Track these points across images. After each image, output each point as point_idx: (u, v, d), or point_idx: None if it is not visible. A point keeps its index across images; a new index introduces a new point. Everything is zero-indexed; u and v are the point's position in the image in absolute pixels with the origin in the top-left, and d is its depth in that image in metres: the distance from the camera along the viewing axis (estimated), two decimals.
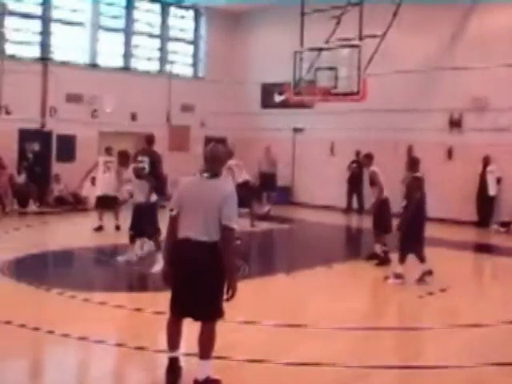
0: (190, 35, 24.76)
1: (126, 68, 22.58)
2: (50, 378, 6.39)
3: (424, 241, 10.80)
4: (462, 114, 19.03)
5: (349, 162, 20.69)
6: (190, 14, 24.67)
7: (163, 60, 23.74)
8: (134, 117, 22.04)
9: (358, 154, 20.67)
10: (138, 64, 23.16)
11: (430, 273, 10.57)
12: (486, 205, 18.23)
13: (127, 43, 22.71)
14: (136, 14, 22.94)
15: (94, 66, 21.42)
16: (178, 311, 5.76)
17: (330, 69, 17.12)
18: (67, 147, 20.17)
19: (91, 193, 19.48)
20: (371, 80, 16.85)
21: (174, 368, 5.82)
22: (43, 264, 11.84)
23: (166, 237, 5.88)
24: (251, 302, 9.38)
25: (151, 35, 23.55)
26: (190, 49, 24.84)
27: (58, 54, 20.86)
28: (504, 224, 17.70)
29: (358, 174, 20.36)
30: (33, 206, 18.65)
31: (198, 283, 5.57)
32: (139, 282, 10.79)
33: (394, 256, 11.20)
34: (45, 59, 20.31)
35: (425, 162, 19.29)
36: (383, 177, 12.26)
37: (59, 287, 9.44)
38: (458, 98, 18.71)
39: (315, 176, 22.16)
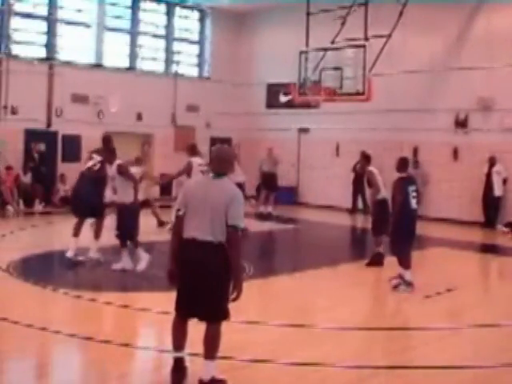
0: (195, 35, 24.78)
1: (131, 68, 22.61)
2: (57, 377, 6.39)
3: (411, 244, 10.39)
4: (467, 115, 18.99)
5: (354, 163, 20.67)
6: (195, 14, 24.68)
7: (168, 60, 23.77)
8: (139, 117, 22.07)
9: (363, 154, 20.65)
10: (144, 64, 23.19)
11: (408, 283, 10.12)
12: (491, 205, 18.18)
13: (132, 43, 22.75)
14: (141, 15, 22.97)
15: (99, 66, 21.45)
16: (184, 311, 5.76)
17: (336, 69, 17.15)
18: (73, 147, 20.19)
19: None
20: (376, 80, 16.86)
21: (179, 368, 5.82)
22: (49, 264, 11.84)
23: (172, 237, 5.89)
24: (256, 303, 9.39)
25: (156, 35, 23.57)
26: (195, 49, 24.86)
27: (63, 54, 20.92)
28: (510, 224, 17.65)
29: (363, 174, 20.29)
30: (38, 206, 18.68)
31: (204, 283, 5.57)
32: (145, 282, 10.78)
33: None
34: (50, 59, 20.37)
35: (430, 162, 19.56)
36: (385, 177, 12.13)
37: (65, 287, 9.45)
38: (463, 99, 18.68)
39: (320, 176, 22.16)
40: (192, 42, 24.74)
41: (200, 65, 24.88)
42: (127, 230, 10.77)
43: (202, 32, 24.80)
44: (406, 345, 7.56)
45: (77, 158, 20.01)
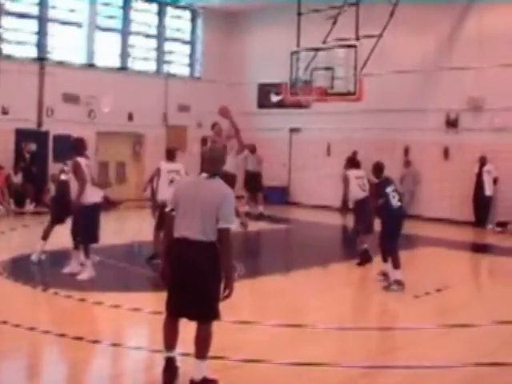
0: (186, 35, 24.74)
1: (122, 68, 22.56)
2: (47, 378, 6.38)
3: (396, 245, 10.48)
4: (458, 114, 19.06)
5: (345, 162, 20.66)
6: (187, 14, 24.66)
7: (160, 60, 23.73)
8: (130, 117, 22.03)
9: (354, 154, 20.71)
10: (135, 64, 23.14)
11: (399, 283, 10.22)
12: (482, 205, 18.25)
13: (124, 43, 22.70)
14: (132, 14, 22.93)
15: (90, 66, 21.40)
16: (175, 311, 5.77)
17: (327, 69, 17.16)
18: (64, 147, 20.10)
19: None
20: (368, 80, 16.89)
21: (170, 368, 5.82)
22: (39, 264, 11.80)
23: (164, 236, 5.90)
24: (248, 303, 9.41)
25: (148, 35, 23.53)
26: (187, 49, 24.84)
27: (54, 53, 20.85)
28: (500, 224, 17.73)
29: None
30: (29, 206, 18.63)
31: (195, 283, 5.58)
32: (135, 282, 10.78)
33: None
34: (41, 59, 20.28)
35: (421, 161, 19.63)
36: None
37: (55, 287, 9.44)
38: (454, 98, 18.73)
39: (312, 176, 22.17)
40: (184, 42, 24.71)
41: (191, 65, 24.86)
42: (76, 232, 10.45)
43: (193, 32, 24.77)
44: (396, 344, 7.59)
45: (68, 159, 19.95)
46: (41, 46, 20.49)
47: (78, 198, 10.05)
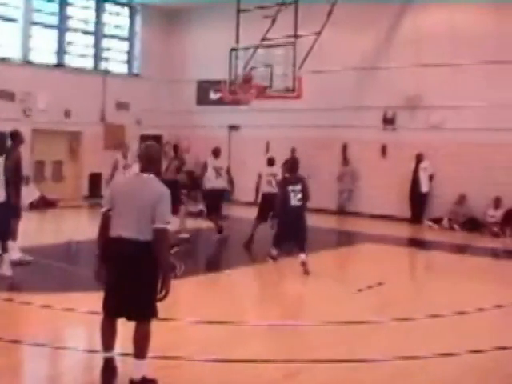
0: (125, 32, 24.49)
1: (59, 65, 22.17)
2: None
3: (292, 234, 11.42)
4: (395, 112, 19.35)
5: (284, 160, 20.71)
6: (126, 10, 24.41)
7: (98, 57, 23.42)
8: (67, 114, 21.68)
9: (293, 151, 20.84)
10: (72, 61, 22.77)
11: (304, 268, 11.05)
12: (418, 201, 18.58)
13: (61, 40, 22.31)
14: (70, 11, 22.55)
15: (26, 62, 20.97)
16: (112, 311, 5.70)
17: (266, 66, 17.19)
18: None
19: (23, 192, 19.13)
20: (307, 78, 16.98)
21: (109, 368, 5.75)
22: None
23: (98, 235, 5.80)
24: (187, 301, 9.36)
25: (86, 32, 23.19)
26: (125, 46, 24.57)
27: None
28: (436, 220, 18.08)
29: None
30: None
31: (131, 282, 5.51)
32: (72, 282, 10.59)
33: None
34: None
35: (360, 159, 19.86)
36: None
37: None
38: (391, 97, 19.02)
39: (251, 174, 22.12)
40: (122, 39, 24.45)
41: (130, 62, 24.62)
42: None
43: (131, 29, 24.52)
44: (334, 339, 7.64)
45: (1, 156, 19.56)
46: None
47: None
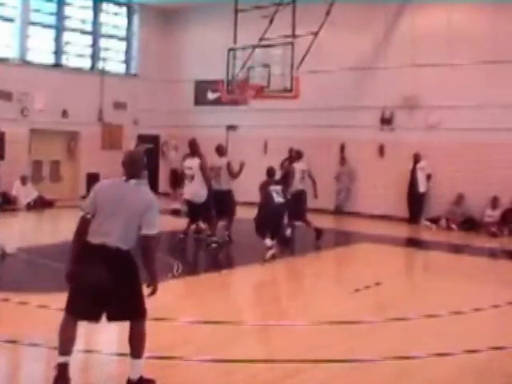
0: (122, 32, 24.47)
1: (57, 65, 22.16)
2: None
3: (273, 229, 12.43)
4: (393, 112, 19.36)
5: (282, 160, 20.72)
6: (123, 10, 24.39)
7: (95, 57, 23.40)
8: (65, 114, 21.66)
9: (291, 151, 20.81)
10: (70, 61, 22.75)
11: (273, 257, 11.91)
12: (416, 201, 18.58)
13: (58, 39, 22.28)
14: (68, 10, 22.52)
15: (24, 62, 20.95)
16: (82, 313, 5.52)
17: (264, 66, 17.19)
18: None
19: (21, 193, 19.15)
20: (305, 78, 16.98)
21: (63, 377, 5.43)
22: None
23: (75, 238, 5.64)
24: (184, 301, 9.36)
25: (83, 32, 23.17)
26: (123, 46, 24.56)
27: None
28: (434, 220, 18.10)
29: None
30: None
31: (115, 287, 5.38)
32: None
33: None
34: None
35: (357, 159, 19.88)
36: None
37: None
38: (389, 97, 19.03)
39: (248, 173, 22.14)
40: (120, 39, 24.43)
41: (127, 62, 24.60)
42: None
43: (129, 29, 24.51)
44: (332, 339, 7.64)
45: (0, 156, 19.61)
46: None
47: None
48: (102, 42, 23.74)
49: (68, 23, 22.61)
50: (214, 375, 6.26)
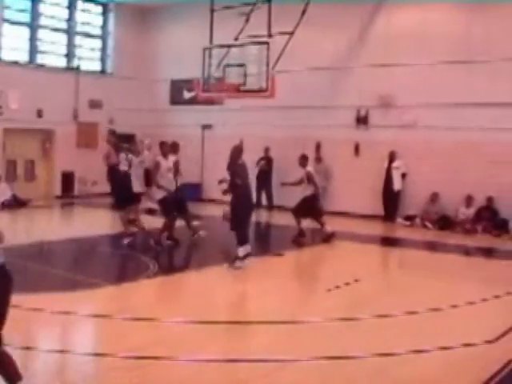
0: (97, 30, 24.33)
1: (31, 63, 21.96)
2: None
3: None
4: (368, 111, 19.44)
5: (257, 159, 20.74)
6: (99, 8, 24.25)
7: (70, 55, 23.23)
8: (39, 113, 21.50)
9: (266, 150, 20.89)
10: (44, 59, 22.56)
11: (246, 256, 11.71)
12: (391, 199, 18.69)
13: (33, 37, 22.09)
14: (42, 8, 22.33)
15: None
16: None
17: (239, 66, 17.17)
18: None
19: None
20: (281, 77, 17.02)
21: None
22: None
23: None
24: (160, 300, 9.34)
25: (58, 29, 22.99)
26: (98, 44, 24.41)
27: None
28: (408, 218, 18.21)
29: (267, 170, 20.55)
30: None
31: None
32: (43, 282, 10.49)
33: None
34: None
35: (333, 158, 19.93)
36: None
37: None
38: (364, 96, 19.11)
39: (224, 173, 22.12)
40: (94, 37, 24.28)
41: (103, 60, 24.46)
42: None
43: (104, 27, 24.38)
44: (311, 337, 7.66)
45: None
46: None
47: None
48: (77, 40, 23.56)
49: (42, 21, 22.40)
50: (196, 374, 6.26)
